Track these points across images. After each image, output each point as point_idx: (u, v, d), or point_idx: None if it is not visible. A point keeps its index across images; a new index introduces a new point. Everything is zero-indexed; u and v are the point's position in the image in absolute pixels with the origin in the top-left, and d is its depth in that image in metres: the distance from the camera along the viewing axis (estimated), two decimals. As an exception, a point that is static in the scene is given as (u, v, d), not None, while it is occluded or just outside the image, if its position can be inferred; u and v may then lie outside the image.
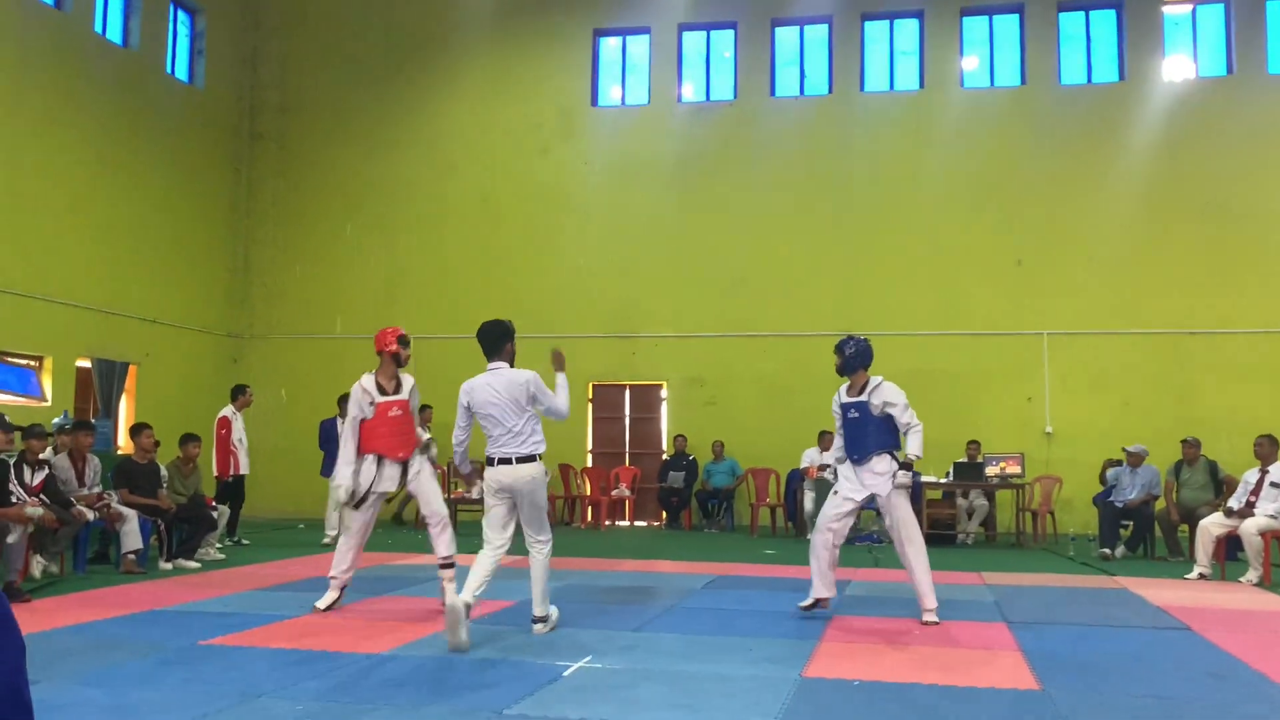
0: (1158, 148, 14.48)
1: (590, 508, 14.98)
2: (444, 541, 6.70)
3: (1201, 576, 9.14)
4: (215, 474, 11.19)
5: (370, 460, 6.73)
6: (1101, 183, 14.58)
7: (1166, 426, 12.60)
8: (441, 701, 4.46)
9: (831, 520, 6.73)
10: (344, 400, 11.78)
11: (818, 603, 6.73)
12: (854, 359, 6.95)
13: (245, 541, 11.42)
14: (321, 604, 6.81)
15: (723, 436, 14.48)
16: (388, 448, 6.73)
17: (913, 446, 6.61)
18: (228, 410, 11.55)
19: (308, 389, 15.06)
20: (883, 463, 6.64)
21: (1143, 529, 11.22)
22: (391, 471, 6.73)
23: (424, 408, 11.98)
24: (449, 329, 15.68)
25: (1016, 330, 14.48)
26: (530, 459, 5.87)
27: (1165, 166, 14.43)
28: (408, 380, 6.95)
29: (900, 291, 14.79)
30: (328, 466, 11.56)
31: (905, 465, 6.59)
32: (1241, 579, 8.93)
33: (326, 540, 11.29)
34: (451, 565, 6.65)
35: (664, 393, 15.58)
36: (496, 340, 6.03)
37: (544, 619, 6.01)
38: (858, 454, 6.73)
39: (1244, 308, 13.83)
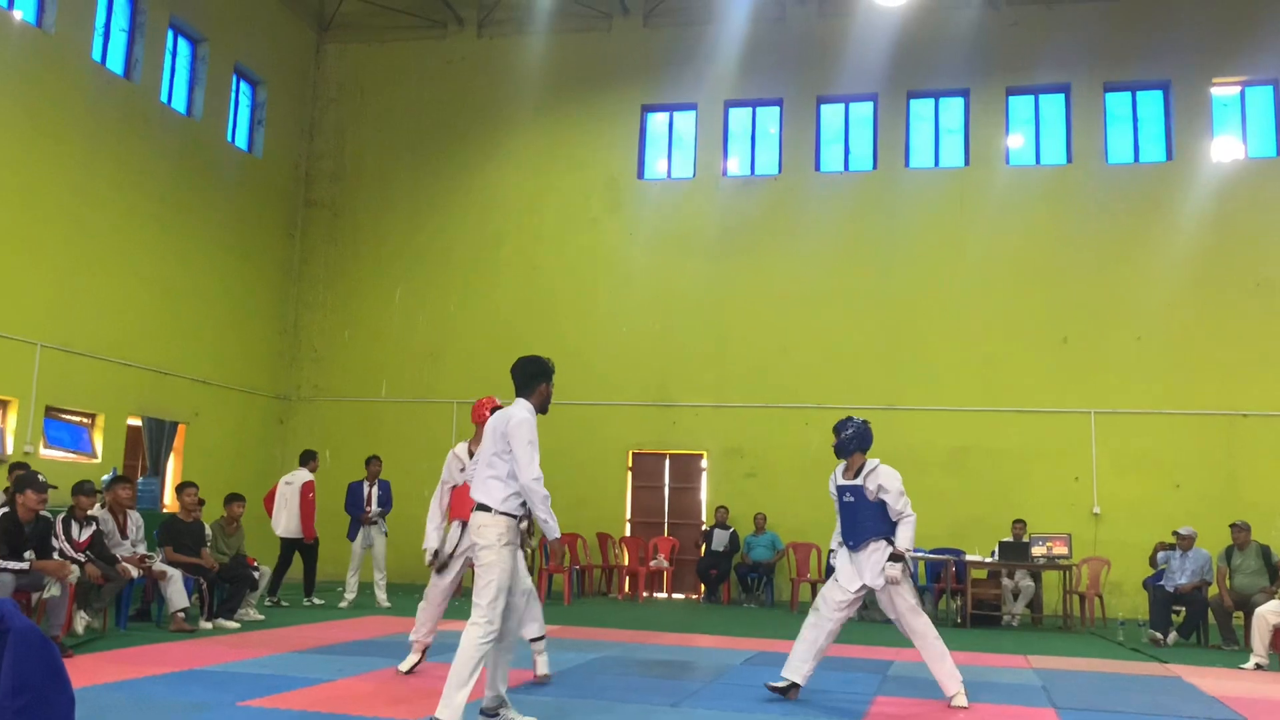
0: (1206, 227, 14.38)
1: (628, 578, 14.86)
2: (531, 615, 6.40)
3: (1258, 666, 8.85)
4: (303, 536, 11.77)
5: (456, 526, 6.75)
6: (1149, 261, 14.48)
7: (1217, 509, 12.32)
8: (478, 772, 4.40)
9: (831, 608, 6.52)
10: (370, 462, 11.99)
11: (792, 686, 6.46)
12: (850, 441, 6.68)
13: (284, 603, 11.47)
14: (403, 666, 6.87)
15: (763, 508, 14.36)
16: None
17: (903, 539, 6.38)
18: (308, 474, 11.95)
19: (350, 451, 15.18)
20: (879, 552, 6.42)
21: (1196, 616, 10.91)
22: None
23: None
24: (494, 393, 15.79)
25: (1063, 408, 14.31)
26: (484, 509, 5.05)
27: (1213, 245, 14.32)
28: None
29: (944, 366, 14.70)
30: (353, 530, 11.68)
31: (895, 557, 6.36)
32: (1300, 671, 8.64)
33: (344, 604, 11.33)
34: (542, 638, 6.53)
35: (704, 463, 15.52)
36: (529, 378, 5.39)
37: None
38: (854, 540, 6.52)
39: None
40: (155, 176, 13.94)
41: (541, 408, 5.39)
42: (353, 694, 6.15)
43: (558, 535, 5.02)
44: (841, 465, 6.72)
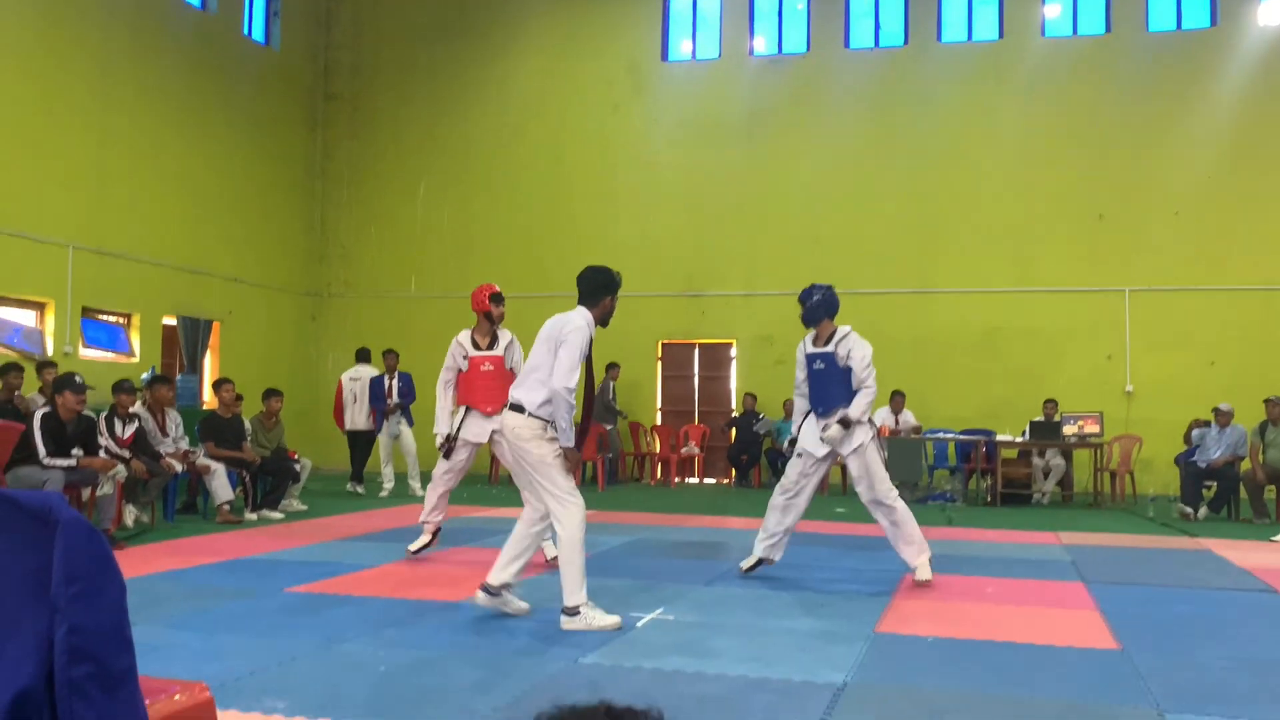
0: (1248, 96, 13.91)
1: (660, 465, 15.07)
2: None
3: (1289, 539, 8.90)
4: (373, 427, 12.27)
5: (462, 411, 6.91)
6: (1188, 133, 14.06)
7: (1254, 385, 12.20)
8: (519, 649, 4.56)
9: (792, 479, 6.52)
10: (387, 355, 12.16)
11: (760, 563, 6.53)
12: (818, 308, 6.49)
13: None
14: (413, 546, 7.09)
15: (791, 395, 14.40)
16: (479, 401, 6.87)
17: (857, 408, 6.26)
18: (373, 370, 12.36)
19: (383, 346, 15.31)
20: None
21: (1227, 490, 10.94)
22: (480, 425, 6.83)
23: (611, 365, 12.27)
24: (521, 287, 15.78)
25: (1097, 286, 14.12)
26: (517, 409, 5.05)
27: (1256, 115, 13.86)
28: (505, 336, 7.08)
29: (977, 247, 14.49)
30: (378, 423, 11.89)
31: (844, 421, 6.24)
32: (1331, 542, 8.69)
33: (383, 494, 11.63)
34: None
35: (733, 351, 15.54)
36: (595, 288, 5.25)
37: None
38: (822, 407, 6.42)
39: (1338, 263, 13.30)
40: (174, 74, 13.78)
41: (603, 320, 5.27)
42: (398, 577, 6.34)
43: (570, 444, 4.98)
44: (811, 334, 6.59)
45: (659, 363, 15.76)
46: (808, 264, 15.00)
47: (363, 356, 12.58)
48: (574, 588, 4.91)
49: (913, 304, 14.67)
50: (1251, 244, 13.63)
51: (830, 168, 15.10)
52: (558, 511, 4.96)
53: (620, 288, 5.35)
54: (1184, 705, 3.80)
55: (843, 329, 6.50)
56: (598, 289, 5.26)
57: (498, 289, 7.22)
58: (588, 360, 5.15)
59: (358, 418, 12.23)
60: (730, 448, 14.59)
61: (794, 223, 15.11)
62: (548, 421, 5.02)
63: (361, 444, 12.39)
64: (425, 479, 12.24)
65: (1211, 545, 8.49)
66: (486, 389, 6.86)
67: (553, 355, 5.02)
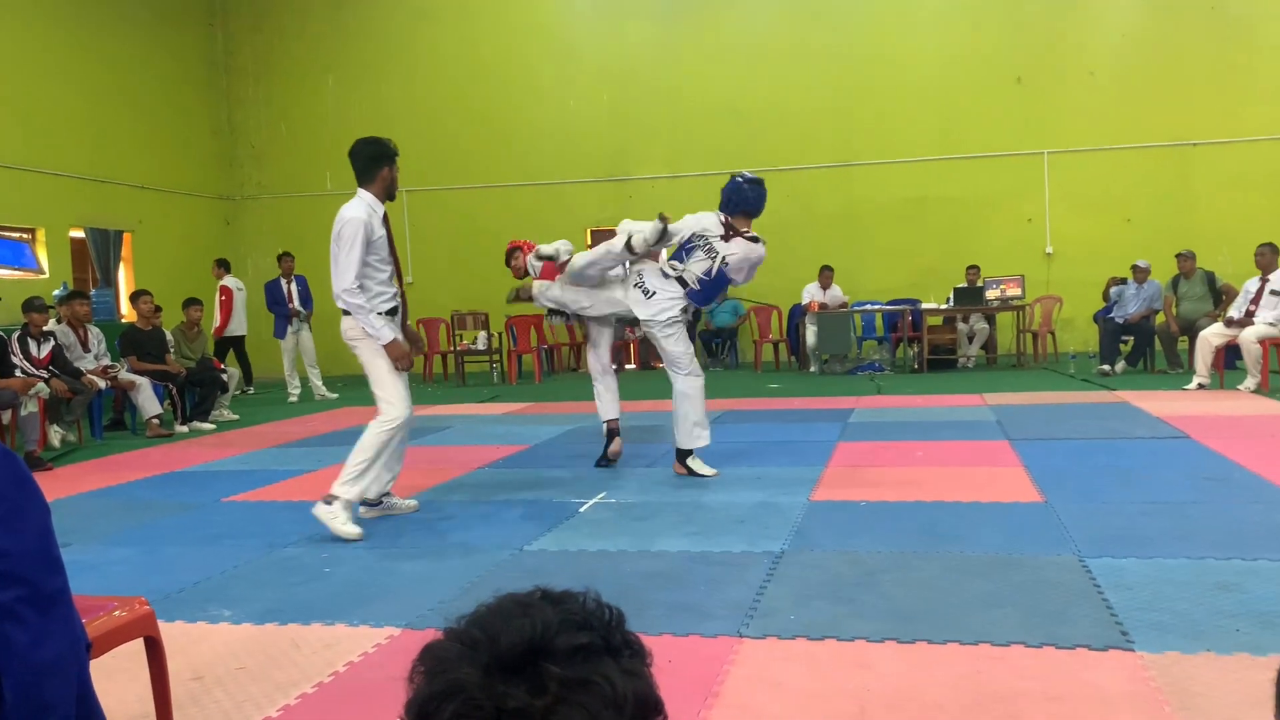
0: (1163, -50, 13.89)
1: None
2: None
3: (1200, 386, 9.28)
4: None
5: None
6: (1104, -9, 14.06)
7: (1169, 241, 12.53)
8: (463, 542, 4.61)
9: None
10: (283, 259, 11.91)
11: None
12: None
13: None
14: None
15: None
16: None
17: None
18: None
19: (304, 248, 14.96)
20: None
21: (1143, 343, 11.33)
22: None
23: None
24: (440, 179, 15.47)
25: (1016, 151, 14.24)
26: (346, 312, 4.86)
27: (1171, -30, 13.88)
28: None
29: (899, 118, 14.47)
30: (280, 328, 11.70)
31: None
32: (1240, 387, 9.08)
33: (291, 399, 11.52)
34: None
35: (662, 234, 15.45)
36: (370, 161, 4.97)
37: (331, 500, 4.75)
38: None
39: (1245, 116, 13.52)
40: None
41: (387, 194, 5.01)
42: (333, 480, 6.30)
43: (387, 339, 4.79)
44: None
45: (589, 250, 15.60)
46: (732, 142, 14.89)
47: (224, 265, 12.76)
48: (350, 479, 4.74)
49: (837, 177, 14.68)
50: (1165, 102, 13.79)
51: (750, 41, 14.84)
52: (379, 408, 4.87)
53: (397, 155, 5.02)
54: (1102, 549, 3.99)
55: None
56: (371, 163, 4.96)
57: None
58: (390, 243, 4.94)
59: (238, 324, 12.49)
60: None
61: (717, 101, 14.90)
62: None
63: (242, 348, 12.65)
64: (329, 383, 12.26)
65: (1129, 397, 8.82)
66: None
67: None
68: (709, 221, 5.92)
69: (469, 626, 0.82)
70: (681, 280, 5.88)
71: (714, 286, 5.99)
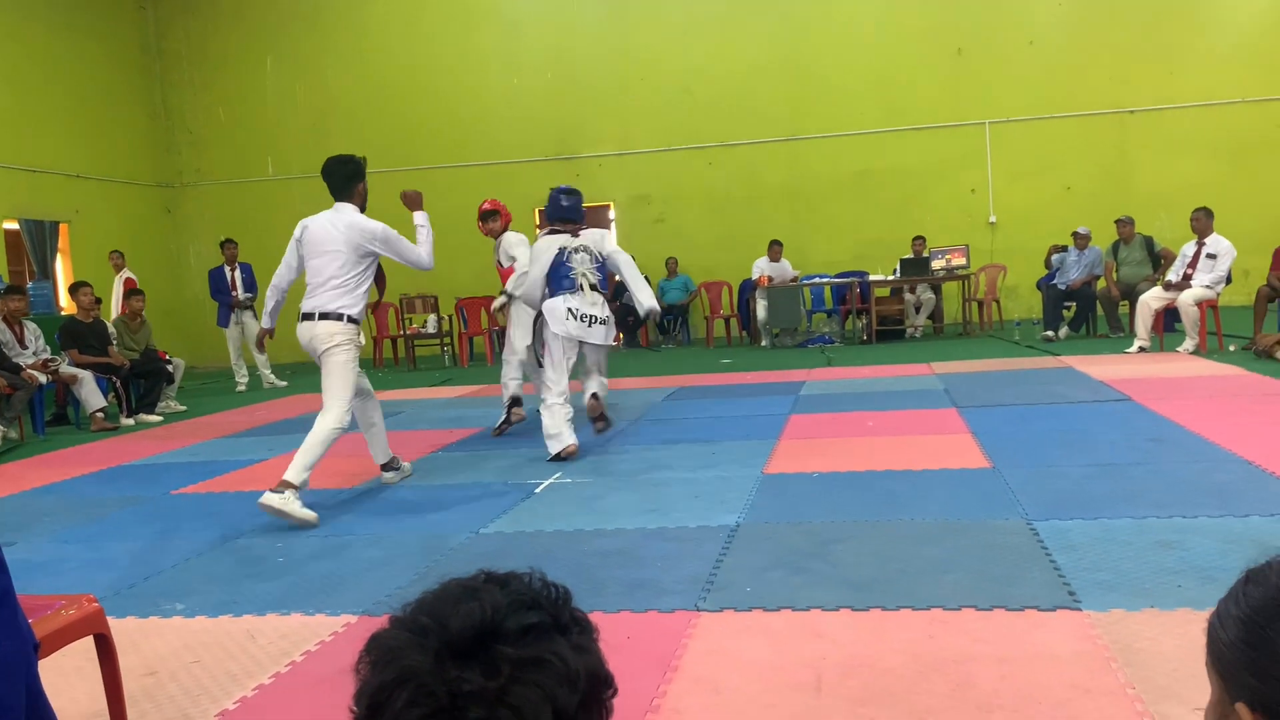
0: (1098, -81, 14.06)
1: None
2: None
3: (1141, 349, 9.49)
4: None
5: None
6: (1042, -39, 14.21)
7: (1108, 207, 12.76)
8: (419, 527, 4.59)
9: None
10: (226, 245, 11.70)
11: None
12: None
13: None
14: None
15: (673, 253, 14.47)
16: None
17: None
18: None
19: (248, 234, 14.73)
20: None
21: (1085, 309, 11.56)
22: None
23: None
24: (387, 161, 15.27)
25: (959, 122, 14.39)
26: (335, 317, 5.02)
27: (1106, -61, 14.05)
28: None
29: (843, 91, 14.54)
30: (223, 317, 11.52)
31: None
32: (1179, 349, 9.29)
33: (240, 388, 11.35)
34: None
35: (612, 213, 15.44)
36: (345, 179, 5.16)
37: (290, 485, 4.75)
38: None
39: (1180, 83, 13.78)
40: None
41: (363, 207, 5.20)
42: (285, 469, 6.23)
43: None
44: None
45: (537, 230, 15.53)
46: (680, 119, 14.88)
47: (122, 256, 11.99)
48: (302, 468, 4.83)
49: (784, 152, 14.74)
50: (1102, 70, 14.00)
51: (696, 18, 14.81)
52: (333, 410, 5.04)
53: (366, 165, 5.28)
54: (1049, 512, 4.08)
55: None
56: (348, 181, 5.18)
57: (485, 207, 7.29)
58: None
59: None
60: (616, 310, 14.62)
61: (663, 78, 14.88)
62: (359, 323, 5.15)
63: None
64: (279, 371, 12.09)
65: (1072, 362, 8.99)
66: None
67: (359, 263, 5.08)
68: (547, 243, 6.21)
69: (416, 614, 0.82)
70: (594, 287, 6.16)
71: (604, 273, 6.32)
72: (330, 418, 5.00)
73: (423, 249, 5.28)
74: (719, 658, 2.83)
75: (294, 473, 4.77)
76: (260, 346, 5.33)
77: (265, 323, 5.63)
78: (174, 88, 16.00)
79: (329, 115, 15.54)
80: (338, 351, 5.02)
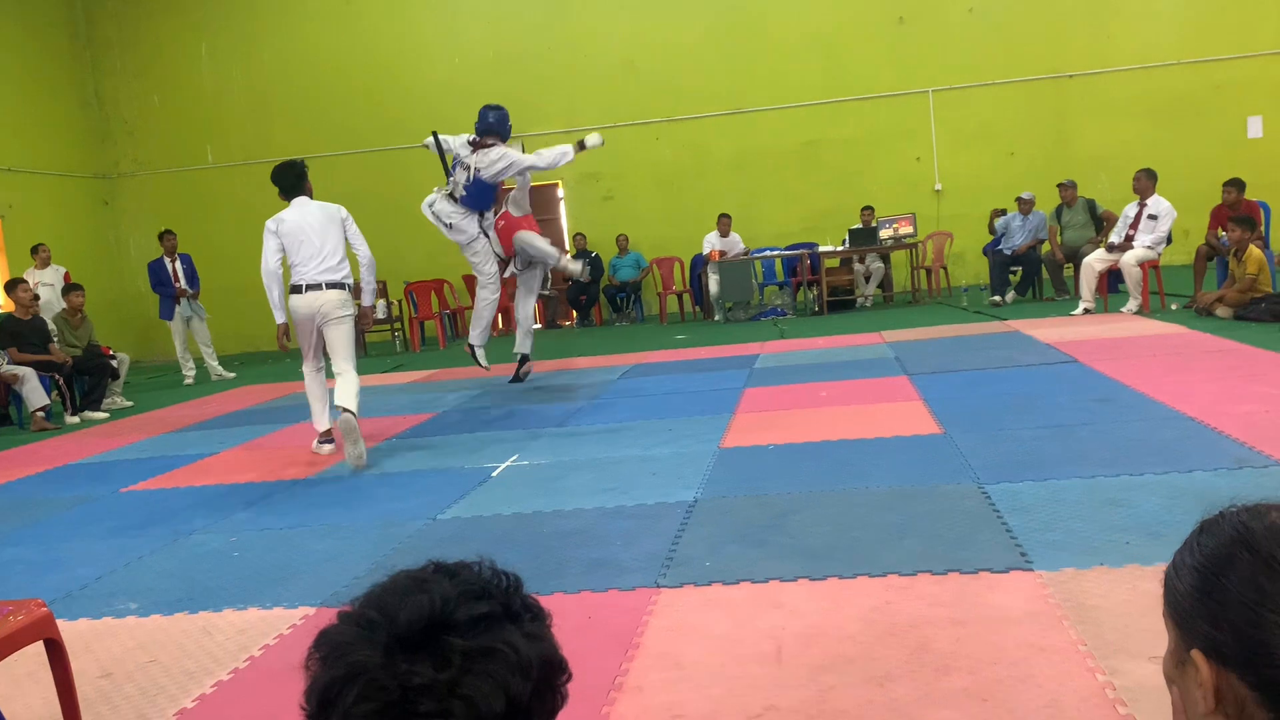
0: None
1: (500, 315, 14.97)
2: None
3: (1086, 311, 9.65)
4: None
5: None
6: (979, -72, 14.28)
7: (1050, 172, 12.92)
8: (375, 515, 4.55)
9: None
10: (165, 236, 11.46)
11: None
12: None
13: None
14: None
15: (623, 230, 14.44)
16: None
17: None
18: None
19: (189, 225, 14.47)
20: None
21: (1030, 273, 11.72)
22: None
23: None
24: (329, 145, 15.05)
25: (902, 90, 14.47)
26: (341, 286, 5.84)
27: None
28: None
29: (788, 62, 14.54)
30: (166, 310, 11.29)
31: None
32: (1123, 309, 9.46)
33: (187, 382, 11.17)
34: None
35: (560, 192, 15.35)
36: (297, 178, 5.98)
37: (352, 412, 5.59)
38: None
39: (1117, 46, 13.95)
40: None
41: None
42: (240, 462, 6.18)
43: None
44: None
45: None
46: (625, 94, 14.80)
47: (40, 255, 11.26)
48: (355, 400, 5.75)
49: (730, 125, 14.73)
50: (1040, 36, 14.13)
51: (636, -9, 14.72)
52: (350, 369, 5.92)
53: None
54: (1000, 475, 4.14)
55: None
56: (300, 178, 5.97)
57: None
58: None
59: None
60: (569, 289, 14.59)
61: (606, 52, 14.77)
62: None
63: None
64: (225, 362, 11.89)
65: (1020, 326, 9.12)
66: None
67: (340, 239, 5.91)
68: (457, 143, 7.83)
69: (364, 608, 0.81)
70: (452, 196, 7.75)
71: (478, 191, 7.70)
72: (352, 371, 5.85)
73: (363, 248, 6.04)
74: (680, 633, 2.85)
75: (352, 403, 5.60)
76: (285, 345, 6.03)
77: (279, 317, 5.90)
78: (107, 76, 15.61)
79: (268, 100, 15.25)
80: (347, 319, 5.90)
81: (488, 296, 8.14)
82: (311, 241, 5.79)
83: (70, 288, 9.86)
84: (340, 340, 5.85)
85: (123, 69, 15.57)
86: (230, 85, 15.37)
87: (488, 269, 8.01)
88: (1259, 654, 0.82)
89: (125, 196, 15.69)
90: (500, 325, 13.42)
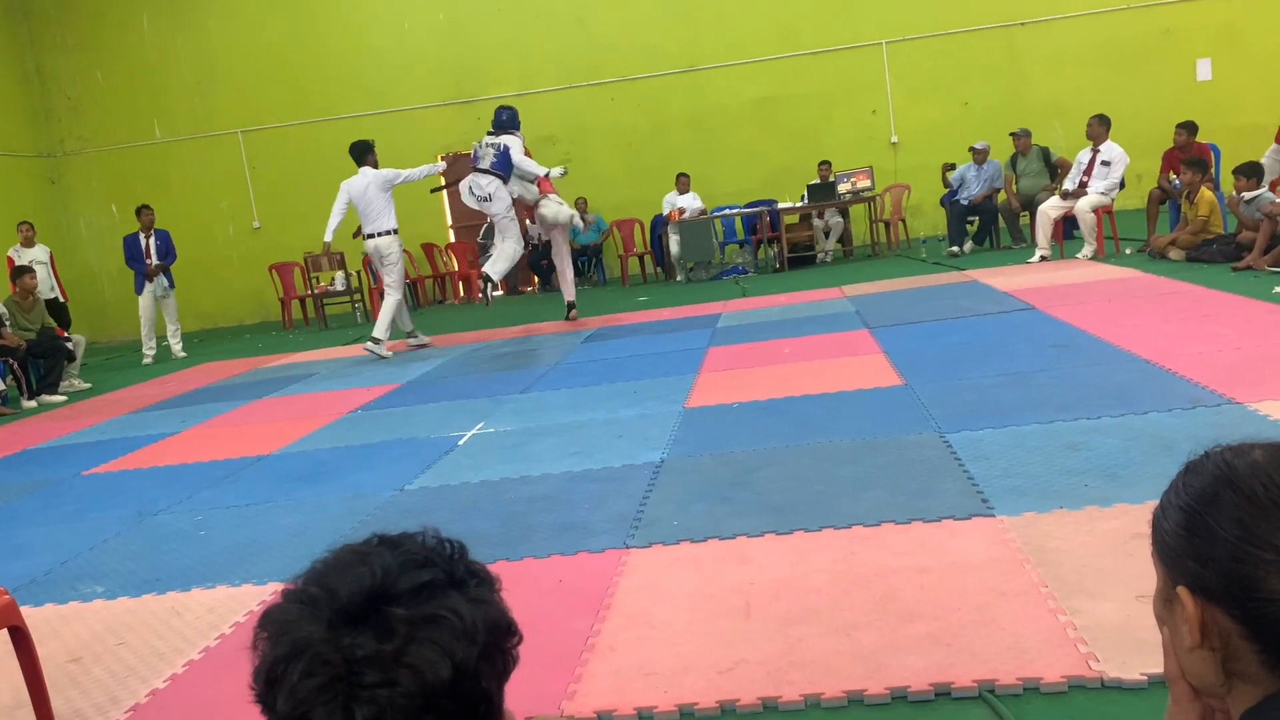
0: None
1: (461, 283, 14.88)
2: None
3: (1043, 259, 9.74)
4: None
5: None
6: (928, -123, 14.21)
7: (1004, 120, 12.97)
8: (341, 488, 4.54)
9: None
10: (141, 212, 11.24)
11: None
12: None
13: None
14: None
15: (583, 193, 14.34)
16: None
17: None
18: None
19: (138, 200, 14.18)
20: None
21: (987, 222, 11.81)
22: None
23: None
24: (278, 116, 14.81)
25: (856, 44, 14.44)
26: (391, 232, 8.89)
27: None
28: None
29: (741, 19, 14.46)
30: (139, 285, 11.11)
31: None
32: (1078, 255, 9.57)
33: (146, 361, 11.01)
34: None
35: (516, 155, 15.19)
36: (359, 154, 8.88)
37: (378, 341, 8.58)
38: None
39: (1069, -8, 14.01)
40: None
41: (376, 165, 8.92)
42: (204, 440, 6.12)
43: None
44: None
45: (443, 178, 15.23)
46: (579, 56, 14.67)
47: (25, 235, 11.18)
48: (383, 329, 8.70)
49: (685, 83, 14.65)
50: (992, -17, 14.14)
51: (585, -51, 14.53)
52: (392, 291, 8.89)
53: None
54: (961, 424, 4.20)
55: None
56: (364, 153, 8.87)
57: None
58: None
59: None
60: (531, 254, 14.49)
61: (559, 12, 14.61)
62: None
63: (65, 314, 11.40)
64: (187, 341, 11.70)
65: (978, 275, 9.20)
66: None
67: (387, 199, 8.90)
68: (482, 146, 9.11)
69: (305, 584, 0.81)
70: (480, 169, 8.98)
71: (503, 161, 8.94)
72: (393, 297, 8.79)
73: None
74: (650, 592, 2.88)
75: (380, 330, 8.52)
76: (326, 261, 9.66)
77: (328, 236, 8.93)
78: (46, 51, 15.22)
79: (214, 72, 14.95)
80: (395, 256, 8.88)
81: (519, 249, 9.36)
82: (366, 203, 8.72)
83: (20, 270, 9.66)
84: (389, 274, 8.90)
85: (62, 43, 15.19)
86: (174, 57, 15.04)
87: (515, 229, 9.28)
88: (1243, 587, 0.85)
89: (71, 174, 15.37)
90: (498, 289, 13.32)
